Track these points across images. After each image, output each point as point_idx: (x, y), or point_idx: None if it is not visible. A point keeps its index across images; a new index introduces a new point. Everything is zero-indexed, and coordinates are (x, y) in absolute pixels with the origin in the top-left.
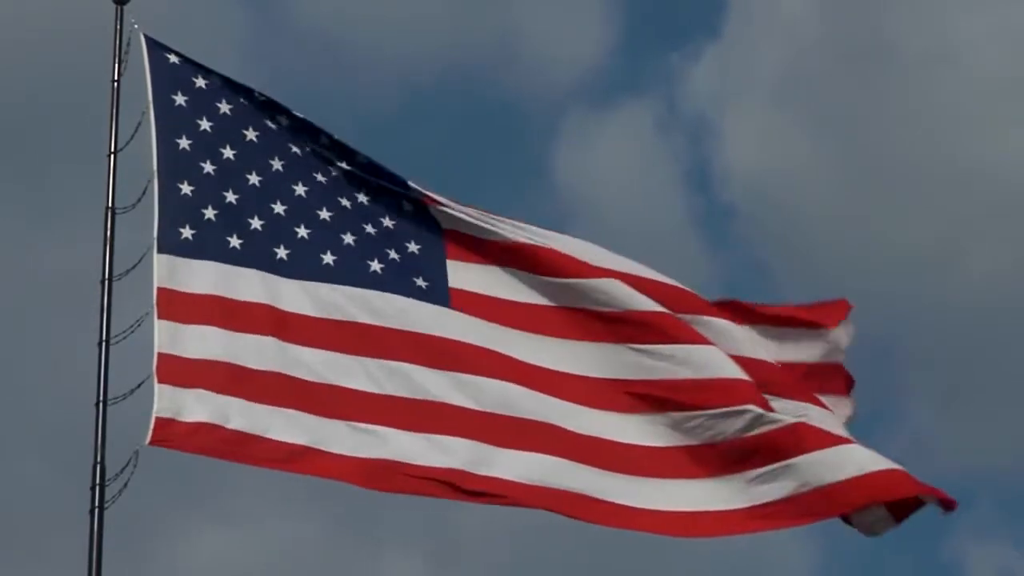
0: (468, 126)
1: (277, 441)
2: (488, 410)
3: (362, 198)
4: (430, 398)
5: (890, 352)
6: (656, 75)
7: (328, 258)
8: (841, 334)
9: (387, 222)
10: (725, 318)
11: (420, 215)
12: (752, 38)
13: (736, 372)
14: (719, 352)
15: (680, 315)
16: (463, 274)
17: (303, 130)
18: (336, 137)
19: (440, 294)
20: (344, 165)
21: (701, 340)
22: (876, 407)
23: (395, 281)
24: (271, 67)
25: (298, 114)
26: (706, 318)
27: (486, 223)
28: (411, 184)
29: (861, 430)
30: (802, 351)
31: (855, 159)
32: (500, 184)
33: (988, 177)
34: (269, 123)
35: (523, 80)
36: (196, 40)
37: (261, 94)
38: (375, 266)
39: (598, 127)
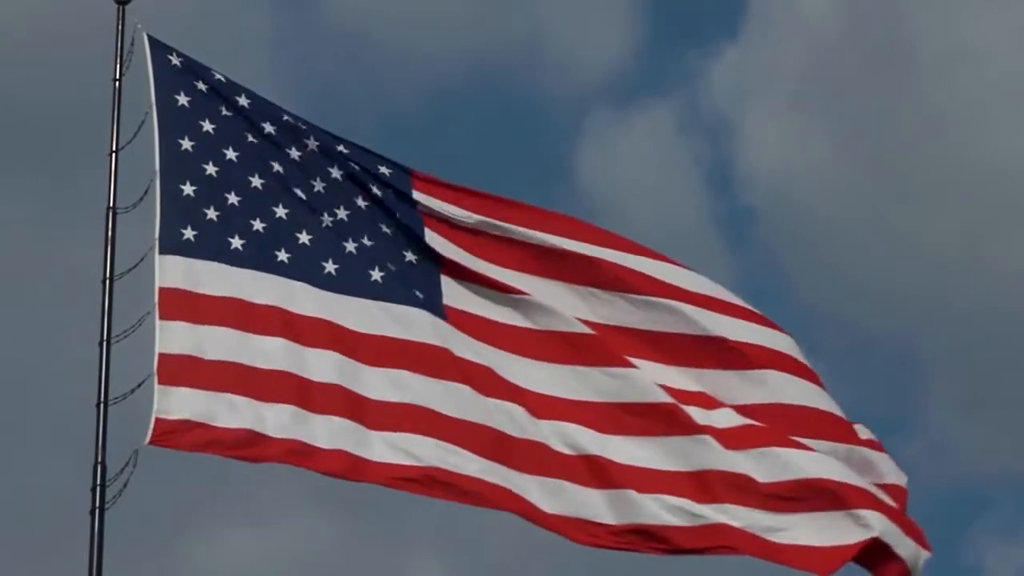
0: (492, 126)
1: (279, 438)
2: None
3: (361, 203)
4: (430, 406)
5: (911, 354)
6: (678, 76)
7: (329, 267)
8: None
9: (385, 229)
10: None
11: (416, 225)
12: (773, 38)
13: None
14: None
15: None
16: (455, 291)
17: (304, 132)
18: (332, 136)
19: (435, 306)
20: (343, 168)
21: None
22: (897, 409)
23: (394, 291)
24: (297, 66)
25: (293, 120)
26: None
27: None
28: (413, 188)
29: (882, 433)
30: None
31: (875, 159)
32: (524, 184)
33: (1009, 175)
34: (270, 127)
35: (547, 80)
36: (222, 39)
37: (260, 97)
38: (375, 275)
39: (621, 127)
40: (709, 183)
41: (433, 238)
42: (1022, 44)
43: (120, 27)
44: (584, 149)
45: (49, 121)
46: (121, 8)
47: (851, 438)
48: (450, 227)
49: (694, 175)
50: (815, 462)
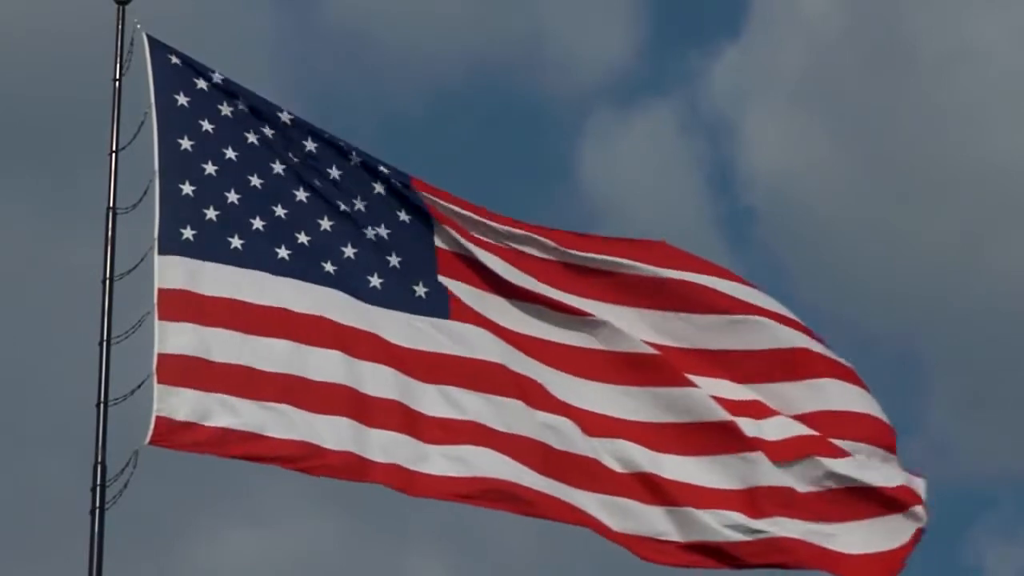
0: (493, 126)
1: (277, 439)
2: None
3: (359, 205)
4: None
5: (911, 354)
6: (679, 76)
7: (329, 267)
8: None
9: (382, 230)
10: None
11: (417, 223)
12: (774, 38)
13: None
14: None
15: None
16: (455, 289)
17: (302, 132)
18: (332, 137)
19: (440, 304)
20: (342, 169)
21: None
22: (897, 409)
23: (394, 295)
24: (297, 66)
25: (298, 117)
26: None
27: (483, 246)
28: (413, 188)
29: None
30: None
31: (875, 159)
32: (524, 184)
33: (1009, 175)
34: (268, 128)
35: (547, 81)
36: (223, 39)
37: (259, 97)
38: (374, 281)
39: (622, 128)
40: (710, 183)
41: (440, 233)
42: (1022, 44)
43: (120, 27)
44: (585, 149)
45: (49, 121)
46: (121, 8)
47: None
48: (467, 233)
49: (695, 175)
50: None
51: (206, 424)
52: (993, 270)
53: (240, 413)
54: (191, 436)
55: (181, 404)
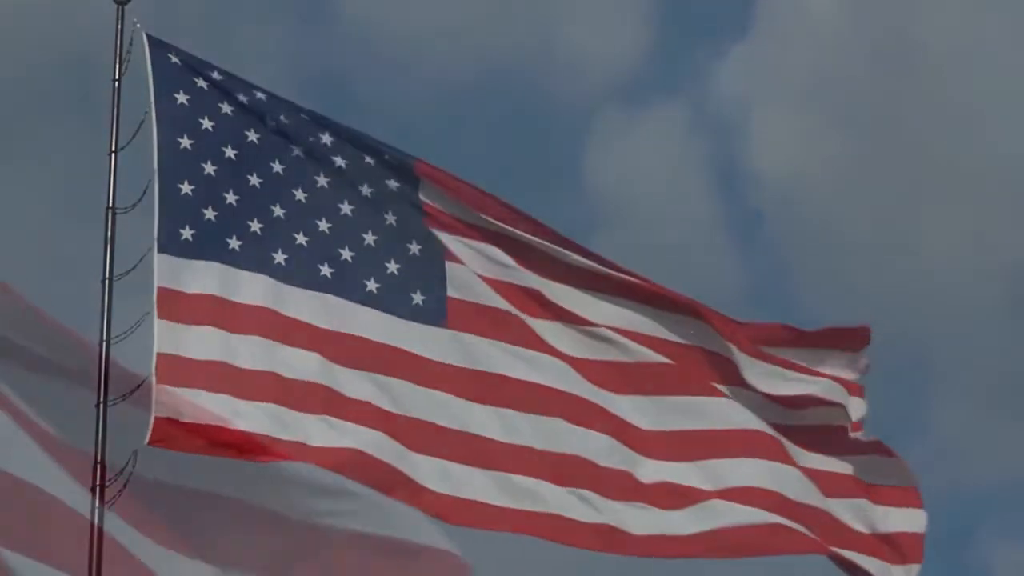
0: (502, 126)
1: (273, 438)
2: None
3: (366, 192)
4: (422, 417)
5: (919, 355)
6: (687, 76)
7: (325, 270)
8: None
9: (390, 219)
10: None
11: (421, 213)
12: (781, 38)
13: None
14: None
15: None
16: (461, 278)
17: (306, 125)
18: (341, 124)
19: (436, 311)
20: (347, 160)
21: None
22: (907, 411)
23: (390, 301)
24: (304, 67)
25: (302, 106)
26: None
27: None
28: (418, 177)
29: (894, 435)
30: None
31: (881, 159)
32: (533, 184)
33: (1015, 176)
34: (270, 124)
35: (556, 81)
36: (227, 38)
37: (263, 90)
38: (371, 285)
39: (630, 128)
40: (718, 184)
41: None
42: None
43: (120, 27)
44: (593, 149)
45: (49, 121)
46: (121, 8)
47: None
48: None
49: (703, 176)
50: None
51: (215, 424)
52: (999, 271)
53: (244, 414)
54: (192, 435)
55: (181, 403)
